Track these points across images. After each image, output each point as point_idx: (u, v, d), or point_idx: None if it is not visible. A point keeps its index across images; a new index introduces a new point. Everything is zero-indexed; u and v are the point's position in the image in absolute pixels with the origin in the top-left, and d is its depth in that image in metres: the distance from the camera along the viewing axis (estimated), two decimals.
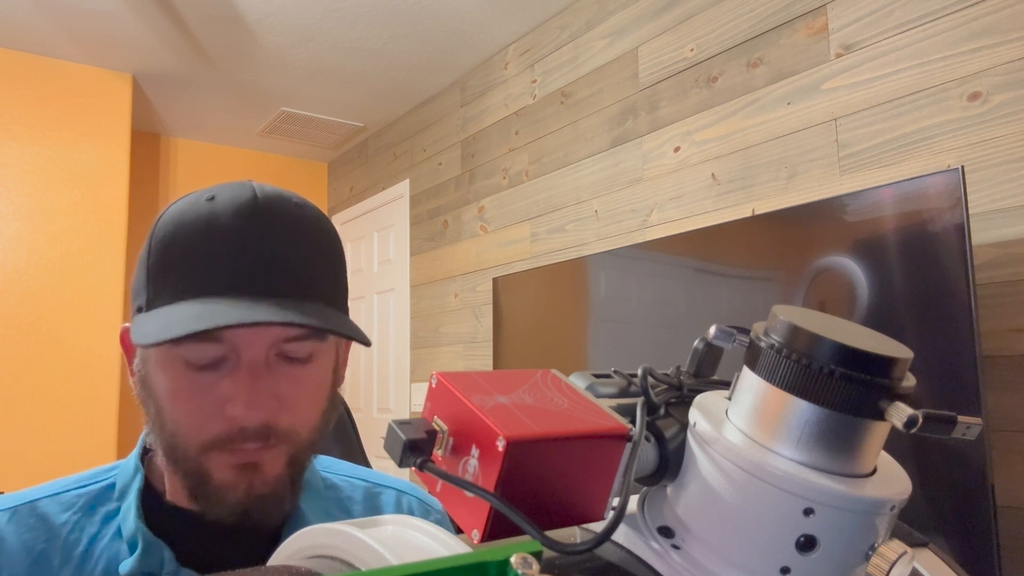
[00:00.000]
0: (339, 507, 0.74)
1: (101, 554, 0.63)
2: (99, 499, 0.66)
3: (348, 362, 0.75)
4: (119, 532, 0.64)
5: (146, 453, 0.69)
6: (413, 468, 0.26)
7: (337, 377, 0.70)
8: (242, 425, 0.60)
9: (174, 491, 0.66)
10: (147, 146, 3.78)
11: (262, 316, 0.57)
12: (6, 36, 2.81)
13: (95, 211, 3.01)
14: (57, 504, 0.66)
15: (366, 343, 0.65)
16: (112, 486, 0.67)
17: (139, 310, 0.62)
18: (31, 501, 0.65)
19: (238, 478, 0.61)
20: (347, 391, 3.80)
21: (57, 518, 0.64)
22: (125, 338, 0.68)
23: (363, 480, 0.79)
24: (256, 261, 0.60)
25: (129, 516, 0.63)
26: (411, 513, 0.78)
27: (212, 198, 0.63)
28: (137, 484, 0.66)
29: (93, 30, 2.76)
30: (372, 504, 0.77)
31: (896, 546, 0.26)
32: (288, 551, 0.27)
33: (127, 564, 0.61)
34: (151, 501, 0.66)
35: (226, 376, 0.60)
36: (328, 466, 0.79)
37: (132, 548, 0.62)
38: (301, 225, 0.64)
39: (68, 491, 0.67)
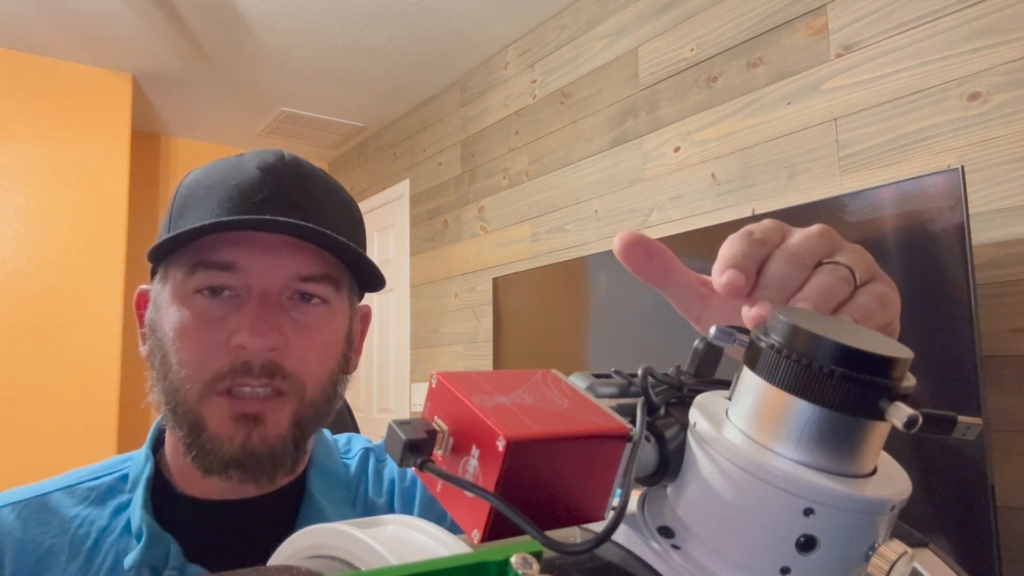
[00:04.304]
0: (346, 489, 0.72)
1: (110, 548, 0.61)
2: (111, 491, 0.65)
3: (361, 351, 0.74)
4: (129, 524, 0.62)
5: (159, 444, 0.68)
6: (413, 468, 0.26)
7: (349, 347, 0.69)
8: (246, 358, 0.58)
9: (180, 469, 0.64)
10: (147, 146, 3.78)
11: (282, 224, 0.57)
12: (6, 36, 2.81)
13: (95, 211, 3.01)
14: (69, 497, 0.64)
15: (382, 280, 0.66)
16: (125, 477, 0.66)
17: None
18: (43, 495, 0.64)
19: (235, 429, 0.59)
20: (347, 391, 3.78)
21: (67, 512, 0.63)
22: (139, 300, 0.67)
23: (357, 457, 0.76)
24: (277, 194, 0.61)
25: (137, 507, 0.62)
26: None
27: (240, 155, 0.65)
28: (147, 474, 0.64)
29: (93, 30, 2.76)
30: (365, 471, 0.75)
31: (896, 546, 0.26)
32: (288, 551, 0.27)
33: (131, 556, 0.59)
34: (162, 492, 0.64)
35: (237, 310, 0.59)
36: (345, 450, 0.77)
37: (139, 540, 0.60)
38: (327, 182, 0.66)
39: (82, 483, 0.65)
